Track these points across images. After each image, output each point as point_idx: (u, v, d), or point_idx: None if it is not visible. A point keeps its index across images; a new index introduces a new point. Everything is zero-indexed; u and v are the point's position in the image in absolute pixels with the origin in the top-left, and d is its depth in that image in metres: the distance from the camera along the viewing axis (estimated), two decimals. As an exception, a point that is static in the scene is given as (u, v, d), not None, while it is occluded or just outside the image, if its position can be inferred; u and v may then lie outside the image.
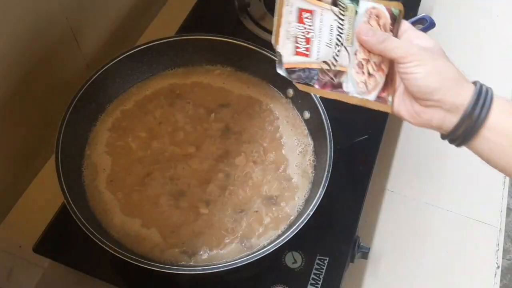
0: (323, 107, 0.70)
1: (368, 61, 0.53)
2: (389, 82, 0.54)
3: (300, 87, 0.53)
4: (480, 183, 0.84)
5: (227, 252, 0.64)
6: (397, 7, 0.54)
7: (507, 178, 0.84)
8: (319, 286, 0.65)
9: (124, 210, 0.66)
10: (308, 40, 0.52)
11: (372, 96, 0.53)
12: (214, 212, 0.66)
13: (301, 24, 0.52)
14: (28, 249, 0.67)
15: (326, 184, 0.63)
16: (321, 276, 0.66)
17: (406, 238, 0.77)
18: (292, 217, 0.67)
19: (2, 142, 0.71)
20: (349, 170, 0.76)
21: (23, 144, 0.76)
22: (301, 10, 0.52)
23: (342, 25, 0.52)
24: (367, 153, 0.78)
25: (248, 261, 0.58)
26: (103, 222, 0.65)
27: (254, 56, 0.75)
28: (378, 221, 0.79)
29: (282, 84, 0.76)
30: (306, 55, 0.52)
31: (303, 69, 0.53)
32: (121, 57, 0.72)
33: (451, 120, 0.49)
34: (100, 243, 0.57)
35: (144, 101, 0.75)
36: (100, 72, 0.70)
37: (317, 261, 0.67)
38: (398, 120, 0.88)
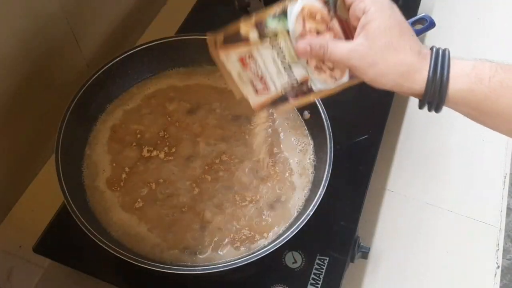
0: (323, 107, 0.70)
1: (322, 61, 0.52)
2: None
3: (278, 111, 0.56)
4: (480, 183, 0.84)
5: (227, 252, 0.64)
6: None
7: (507, 178, 0.84)
8: (319, 286, 0.65)
9: (124, 210, 0.66)
10: (261, 78, 0.54)
11: (345, 78, 0.53)
12: (214, 212, 0.66)
13: (247, 70, 0.54)
14: (28, 249, 0.67)
15: (326, 184, 0.63)
16: (321, 276, 0.66)
17: (406, 238, 0.77)
18: (292, 217, 0.67)
19: (2, 142, 0.71)
20: (349, 170, 0.76)
21: (23, 144, 0.76)
22: (241, 58, 0.53)
23: (281, 50, 0.52)
24: (367, 153, 0.78)
25: (248, 261, 0.58)
26: (103, 222, 0.65)
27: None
28: (378, 221, 0.78)
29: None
30: (267, 91, 0.55)
31: (271, 101, 0.55)
32: (121, 57, 0.72)
33: (418, 96, 0.49)
34: (100, 243, 0.57)
35: (145, 101, 0.75)
36: (100, 72, 0.71)
37: (317, 261, 0.67)
38: (398, 120, 0.88)
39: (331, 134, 0.68)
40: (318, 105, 0.70)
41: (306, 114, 0.74)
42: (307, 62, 0.52)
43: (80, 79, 0.70)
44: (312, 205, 0.62)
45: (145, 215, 0.66)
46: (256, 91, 0.55)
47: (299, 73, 0.53)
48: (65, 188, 0.61)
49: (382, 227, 0.78)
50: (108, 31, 0.87)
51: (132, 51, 0.73)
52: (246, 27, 0.52)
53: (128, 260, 0.57)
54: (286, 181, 0.70)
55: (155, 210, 0.66)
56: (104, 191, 0.67)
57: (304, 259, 0.67)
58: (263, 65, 0.53)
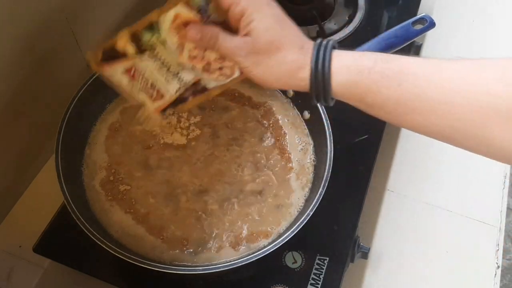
0: (323, 107, 0.70)
1: (209, 64, 0.51)
2: None
3: (180, 109, 0.55)
4: (480, 183, 0.83)
5: (227, 252, 0.64)
6: None
7: (507, 178, 0.84)
8: (319, 286, 0.65)
9: (123, 210, 0.66)
10: (152, 87, 0.53)
11: (237, 73, 0.52)
12: (214, 212, 0.66)
13: (135, 81, 0.53)
14: (28, 249, 0.67)
15: (326, 184, 0.63)
16: (321, 276, 0.66)
17: (406, 238, 0.77)
18: (292, 217, 0.67)
19: (2, 142, 0.71)
20: (349, 170, 0.76)
21: (23, 144, 0.76)
22: (126, 71, 0.53)
23: (163, 61, 0.52)
24: (367, 153, 0.78)
25: (248, 261, 0.58)
26: (103, 222, 0.65)
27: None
28: (378, 221, 0.78)
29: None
30: (162, 97, 0.53)
31: (170, 103, 0.54)
32: (121, 57, 0.72)
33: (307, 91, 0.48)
34: (100, 243, 0.57)
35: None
36: (100, 72, 0.70)
37: (317, 261, 0.67)
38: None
39: (331, 134, 0.68)
40: (318, 105, 0.70)
41: (306, 114, 0.74)
42: (193, 68, 0.51)
43: (80, 79, 0.70)
44: (312, 205, 0.62)
45: (145, 215, 0.66)
46: (151, 97, 0.54)
47: (189, 77, 0.52)
48: (65, 188, 0.61)
49: (382, 227, 0.78)
50: (108, 31, 0.87)
51: (132, 51, 0.73)
52: (122, 43, 0.51)
53: (128, 260, 0.57)
54: (286, 181, 0.70)
55: (156, 210, 0.66)
56: (104, 191, 0.67)
57: (304, 259, 0.67)
58: (150, 75, 0.52)
